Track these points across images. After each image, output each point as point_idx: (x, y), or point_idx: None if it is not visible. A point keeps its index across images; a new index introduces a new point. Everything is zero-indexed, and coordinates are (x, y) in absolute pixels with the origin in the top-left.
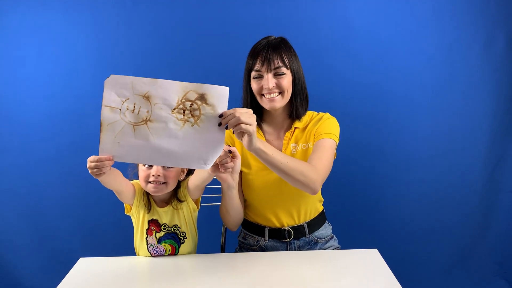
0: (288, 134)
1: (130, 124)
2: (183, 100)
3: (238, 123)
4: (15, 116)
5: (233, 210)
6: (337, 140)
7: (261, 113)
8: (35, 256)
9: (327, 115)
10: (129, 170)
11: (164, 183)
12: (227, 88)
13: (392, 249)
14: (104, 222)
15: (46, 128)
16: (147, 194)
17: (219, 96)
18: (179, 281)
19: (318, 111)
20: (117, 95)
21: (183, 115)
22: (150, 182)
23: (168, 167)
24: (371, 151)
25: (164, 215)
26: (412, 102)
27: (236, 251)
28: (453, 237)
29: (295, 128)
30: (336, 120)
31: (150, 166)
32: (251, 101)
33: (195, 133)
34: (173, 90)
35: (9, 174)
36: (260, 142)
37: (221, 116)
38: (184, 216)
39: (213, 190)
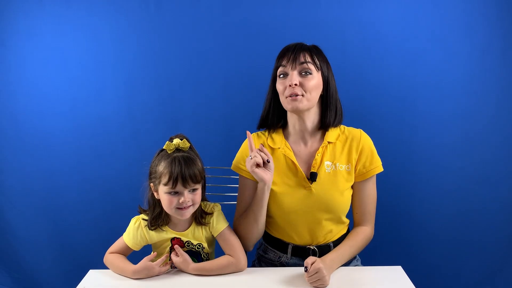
0: (320, 149)
1: None
2: None
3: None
4: (38, 120)
5: (262, 217)
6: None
7: (285, 120)
8: (53, 261)
9: (368, 139)
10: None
11: (191, 205)
12: None
13: (418, 266)
14: (122, 228)
15: (69, 132)
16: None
17: None
18: None
19: (345, 118)
20: None
21: None
22: (178, 208)
23: (194, 191)
24: (398, 161)
25: (187, 234)
26: (442, 110)
27: (253, 265)
28: (482, 253)
29: (328, 142)
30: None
31: (176, 193)
32: (273, 104)
33: None
34: None
35: (31, 177)
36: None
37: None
38: (206, 236)
39: (226, 197)
